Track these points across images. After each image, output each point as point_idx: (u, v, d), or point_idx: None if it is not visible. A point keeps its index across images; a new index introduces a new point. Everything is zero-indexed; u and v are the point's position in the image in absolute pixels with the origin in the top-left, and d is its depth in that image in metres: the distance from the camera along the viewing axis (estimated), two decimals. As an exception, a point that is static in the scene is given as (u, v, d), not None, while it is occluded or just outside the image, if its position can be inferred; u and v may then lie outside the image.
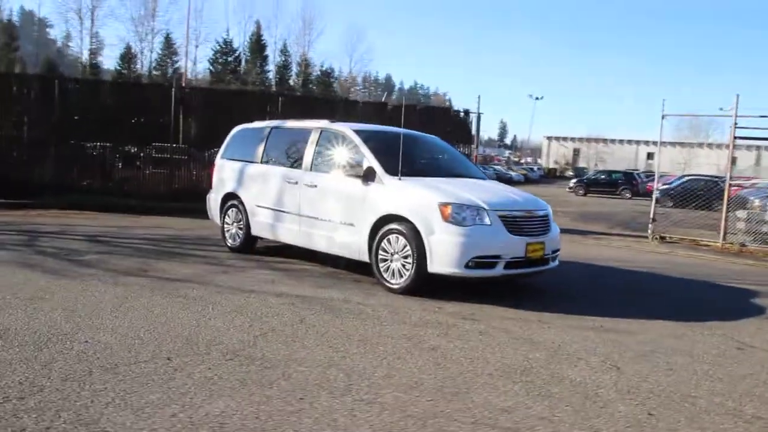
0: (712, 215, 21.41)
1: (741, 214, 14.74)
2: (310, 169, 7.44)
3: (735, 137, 14.07)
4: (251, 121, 9.06)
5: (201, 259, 7.92)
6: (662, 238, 14.29)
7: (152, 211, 12.82)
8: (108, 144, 14.58)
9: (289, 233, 7.68)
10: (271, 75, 67.53)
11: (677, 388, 4.06)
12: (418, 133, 8.21)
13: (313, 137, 7.57)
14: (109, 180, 14.37)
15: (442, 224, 6.08)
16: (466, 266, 6.03)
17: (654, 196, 15.09)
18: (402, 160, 6.84)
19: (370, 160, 6.81)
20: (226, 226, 8.69)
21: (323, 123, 7.69)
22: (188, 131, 15.08)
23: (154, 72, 58.19)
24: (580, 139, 79.50)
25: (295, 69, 70.90)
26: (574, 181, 38.01)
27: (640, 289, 7.68)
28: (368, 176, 6.73)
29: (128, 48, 58.94)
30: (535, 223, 6.50)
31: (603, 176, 37.95)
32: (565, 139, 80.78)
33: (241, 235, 8.43)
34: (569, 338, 5.05)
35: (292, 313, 5.38)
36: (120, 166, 14.83)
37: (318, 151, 7.48)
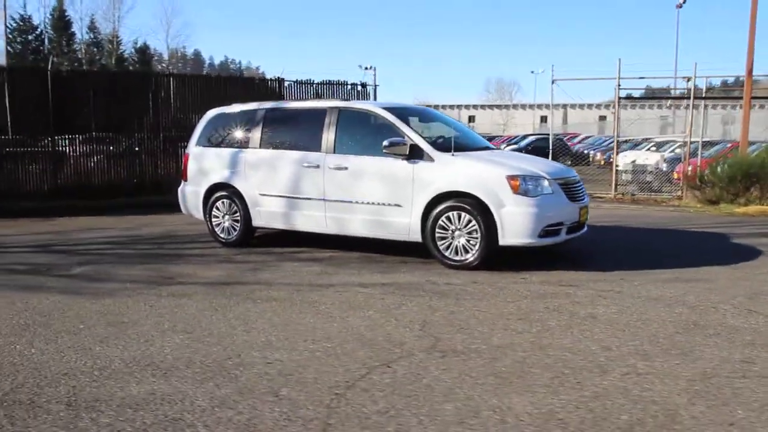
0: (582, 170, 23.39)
1: (627, 167, 16.49)
2: (334, 152, 7.03)
3: (619, 98, 15.60)
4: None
5: (208, 258, 7.18)
6: (561, 194, 15.48)
7: (44, 212, 11.25)
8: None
9: (311, 220, 7.22)
10: (80, 54, 61.22)
11: (823, 320, 4.59)
12: (430, 108, 8.11)
13: (331, 118, 7.13)
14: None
15: (513, 197, 6.12)
16: (539, 235, 6.17)
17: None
18: (437, 136, 6.76)
19: (413, 138, 6.59)
20: (214, 219, 7.92)
21: (339, 102, 7.30)
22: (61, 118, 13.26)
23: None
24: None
25: (106, 47, 64.90)
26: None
27: (642, 243, 8.29)
28: (414, 154, 6.53)
29: None
30: (579, 189, 6.78)
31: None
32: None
33: (237, 228, 7.75)
34: (678, 291, 5.39)
35: (413, 303, 5.12)
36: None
37: (341, 131, 7.07)
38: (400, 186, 6.59)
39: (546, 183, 6.29)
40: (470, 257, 6.30)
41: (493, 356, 3.87)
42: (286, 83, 16.17)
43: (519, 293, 5.41)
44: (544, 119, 71.19)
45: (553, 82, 16.50)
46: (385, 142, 6.56)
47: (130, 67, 59.59)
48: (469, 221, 6.26)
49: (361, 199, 6.83)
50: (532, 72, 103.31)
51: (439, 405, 3.18)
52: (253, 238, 7.93)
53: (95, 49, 64.33)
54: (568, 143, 35.69)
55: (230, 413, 3.10)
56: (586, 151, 31.59)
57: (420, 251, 6.85)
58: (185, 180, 8.28)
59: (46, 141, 13.17)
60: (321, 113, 7.26)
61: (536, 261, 6.58)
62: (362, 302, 5.16)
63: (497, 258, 6.37)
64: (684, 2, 35.37)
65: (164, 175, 13.90)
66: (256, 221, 7.65)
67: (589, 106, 69.87)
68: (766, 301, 5.09)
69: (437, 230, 6.42)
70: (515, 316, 4.71)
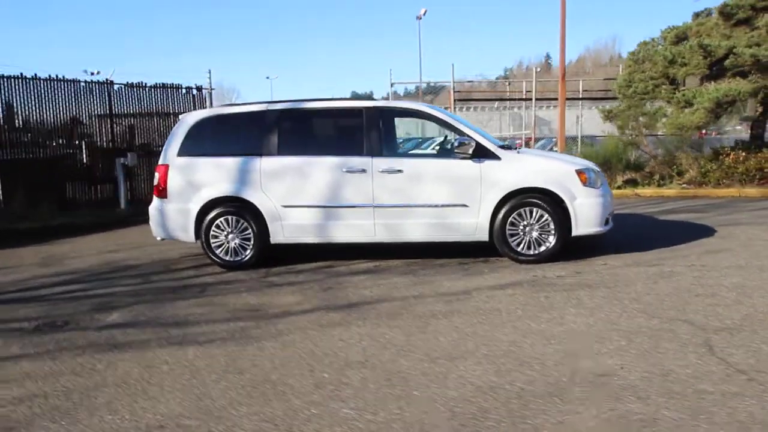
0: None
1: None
2: (381, 155, 6.60)
3: (455, 99, 16.98)
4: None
5: (246, 285, 6.17)
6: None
7: None
8: None
9: (355, 229, 6.66)
10: None
11: None
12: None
13: (370, 119, 6.65)
14: None
15: (583, 189, 6.49)
16: (604, 223, 6.66)
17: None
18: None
19: (475, 138, 6.55)
20: (214, 240, 6.79)
21: (377, 102, 6.83)
22: None
23: None
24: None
25: None
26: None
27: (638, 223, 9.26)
28: (479, 153, 6.50)
29: None
30: (604, 180, 7.43)
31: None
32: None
33: (249, 247, 6.79)
34: (733, 260, 6.31)
35: (584, 295, 5.20)
36: None
37: (386, 133, 6.67)
38: (467, 186, 6.51)
39: (599, 175, 6.82)
40: (543, 250, 6.52)
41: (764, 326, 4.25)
42: (115, 87, 14.14)
43: (639, 276, 5.81)
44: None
45: (392, 86, 17.32)
46: (455, 143, 6.43)
47: None
48: (541, 216, 6.48)
49: (420, 202, 6.55)
50: (268, 77, 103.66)
51: None
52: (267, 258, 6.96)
53: None
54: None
55: (727, 418, 2.99)
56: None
57: (455, 251, 6.88)
58: (163, 197, 6.92)
59: None
60: (356, 114, 6.75)
61: (574, 251, 7.02)
62: (538, 303, 5.08)
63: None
64: (424, 14, 39.20)
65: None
66: (277, 237, 6.78)
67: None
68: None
69: (508, 227, 6.51)
70: (691, 294, 5.13)
